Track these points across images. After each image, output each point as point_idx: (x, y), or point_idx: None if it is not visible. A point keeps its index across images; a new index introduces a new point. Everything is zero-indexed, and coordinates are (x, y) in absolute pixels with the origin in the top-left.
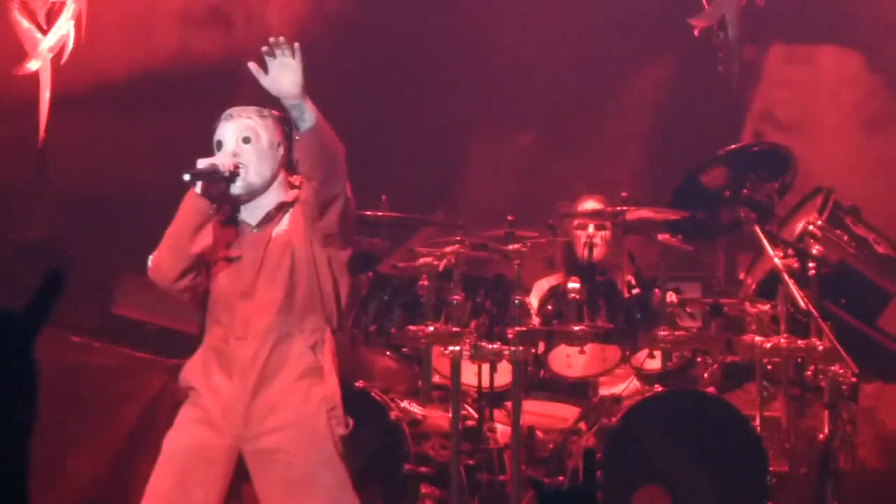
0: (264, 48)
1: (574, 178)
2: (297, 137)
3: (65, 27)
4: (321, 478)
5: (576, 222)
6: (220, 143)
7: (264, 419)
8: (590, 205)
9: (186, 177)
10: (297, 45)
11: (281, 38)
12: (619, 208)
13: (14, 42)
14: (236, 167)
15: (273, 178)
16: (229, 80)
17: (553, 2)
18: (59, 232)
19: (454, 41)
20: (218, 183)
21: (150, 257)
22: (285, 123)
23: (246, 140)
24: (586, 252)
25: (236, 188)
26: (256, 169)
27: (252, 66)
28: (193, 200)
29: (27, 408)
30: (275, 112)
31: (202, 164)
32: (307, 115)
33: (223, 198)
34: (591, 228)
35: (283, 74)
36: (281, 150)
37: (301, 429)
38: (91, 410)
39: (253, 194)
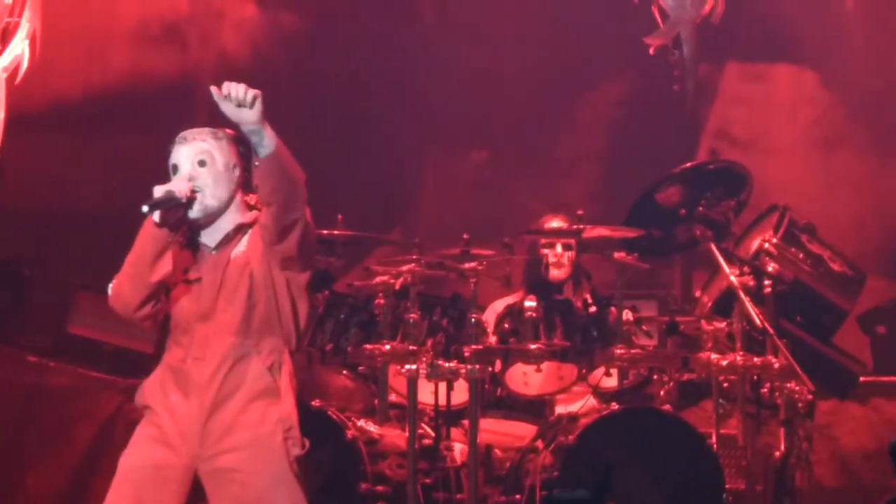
0: (215, 89)
1: (529, 197)
2: (257, 163)
3: (19, 47)
4: (276, 498)
5: (542, 241)
6: (175, 167)
7: (220, 439)
8: (555, 224)
9: (144, 208)
10: (258, 93)
11: (240, 90)
12: (577, 226)
13: None
14: (193, 192)
15: (230, 199)
16: (185, 100)
17: (508, 21)
18: (15, 252)
19: (410, 60)
20: (176, 209)
21: (110, 285)
22: (240, 143)
23: (201, 163)
24: (554, 272)
25: (194, 212)
26: (213, 192)
27: (213, 89)
28: (151, 229)
29: None
30: (229, 132)
31: (158, 192)
32: (266, 142)
33: (181, 223)
34: (558, 248)
35: None
36: (237, 172)
37: (257, 449)
38: (48, 429)
39: (211, 217)
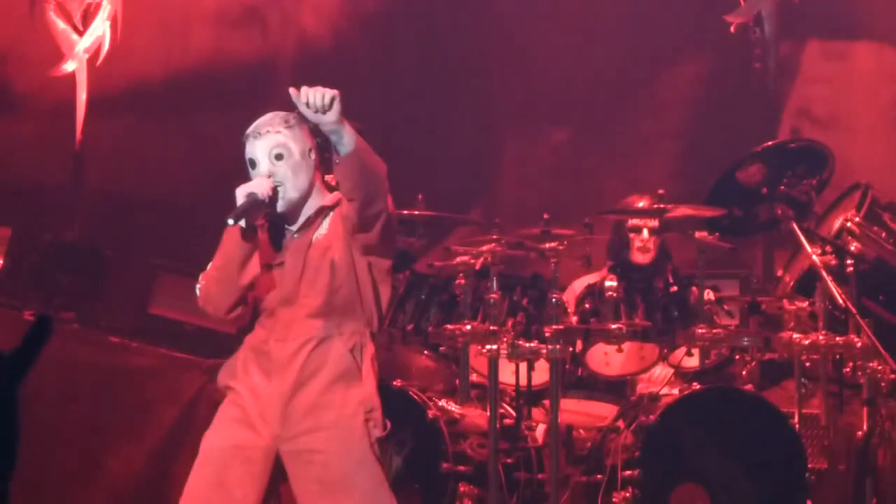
0: (294, 91)
1: (609, 177)
2: (338, 161)
3: (101, 28)
4: (357, 479)
5: (629, 224)
6: (252, 162)
7: (302, 420)
8: (641, 204)
9: (230, 221)
10: (335, 94)
11: (317, 97)
12: (661, 206)
13: (50, 43)
14: (274, 190)
15: (311, 185)
16: (265, 82)
17: (588, 0)
18: (96, 233)
19: (489, 40)
20: (259, 210)
21: (198, 286)
22: (311, 123)
23: (279, 157)
24: (639, 256)
25: (278, 207)
26: (294, 184)
27: (292, 91)
28: (237, 233)
29: (6, 446)
30: (297, 115)
31: (240, 197)
32: (346, 140)
33: (266, 219)
34: (645, 233)
35: None
36: (313, 156)
37: (338, 430)
38: (129, 410)
39: (295, 207)
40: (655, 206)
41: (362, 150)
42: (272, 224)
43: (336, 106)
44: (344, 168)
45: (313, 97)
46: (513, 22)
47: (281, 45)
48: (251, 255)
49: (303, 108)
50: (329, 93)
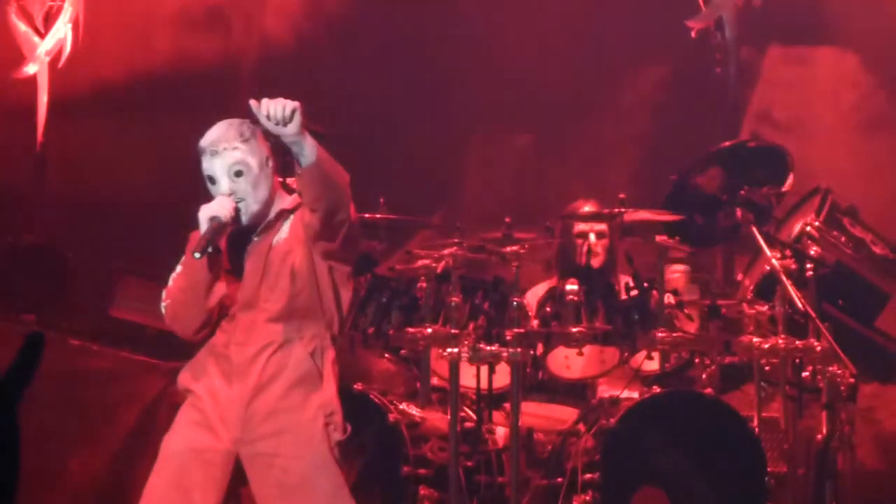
0: (255, 103)
1: (572, 181)
2: (299, 172)
3: (62, 31)
4: (317, 482)
5: (576, 230)
6: (211, 179)
7: (261, 423)
8: (587, 209)
9: (197, 255)
10: (296, 106)
11: (278, 110)
12: (616, 210)
13: (12, 46)
14: (236, 209)
15: (271, 193)
16: (228, 84)
17: (551, 5)
18: (57, 235)
19: (452, 44)
20: (224, 233)
21: (163, 304)
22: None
23: (238, 174)
24: (584, 260)
25: (242, 221)
26: (254, 198)
27: (252, 103)
28: (204, 261)
29: (7, 468)
30: (252, 123)
31: (204, 222)
32: (307, 151)
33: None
34: (592, 237)
35: None
36: (270, 163)
37: (298, 434)
38: (90, 413)
39: (257, 216)
40: (606, 210)
41: (323, 160)
42: (231, 232)
43: (297, 118)
44: (305, 179)
45: (274, 109)
46: (476, 26)
47: (244, 47)
48: (218, 277)
49: (263, 121)
50: (290, 105)
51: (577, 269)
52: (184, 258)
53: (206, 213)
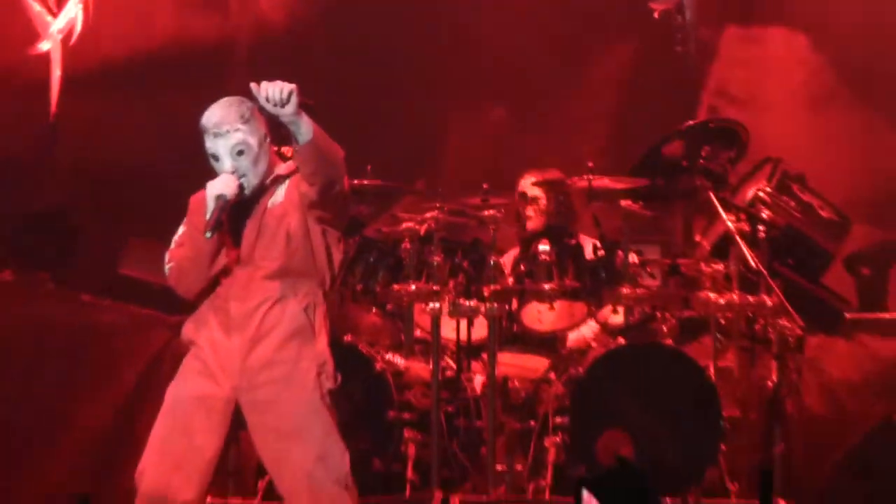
0: (255, 86)
1: (544, 151)
2: (297, 148)
3: (73, 10)
4: (310, 426)
5: (516, 197)
6: (215, 157)
7: (259, 373)
8: (530, 180)
9: (208, 235)
10: (293, 88)
11: (276, 92)
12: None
13: (27, 24)
14: (240, 186)
15: (270, 165)
16: (224, 62)
17: None
18: (70, 201)
19: (434, 21)
20: (228, 207)
21: (167, 266)
22: (259, 105)
23: (240, 153)
24: (528, 225)
25: (244, 195)
26: (255, 172)
27: (252, 85)
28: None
29: None
30: (249, 102)
31: (211, 200)
32: (304, 130)
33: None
34: (529, 211)
35: None
36: (268, 139)
37: (292, 382)
38: (98, 365)
39: (256, 187)
40: (546, 178)
41: (319, 138)
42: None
43: (293, 99)
44: (302, 156)
45: (272, 92)
46: (457, 10)
47: (239, 27)
48: (222, 246)
49: (262, 102)
50: (287, 87)
51: (557, 228)
52: (185, 220)
53: (212, 190)
